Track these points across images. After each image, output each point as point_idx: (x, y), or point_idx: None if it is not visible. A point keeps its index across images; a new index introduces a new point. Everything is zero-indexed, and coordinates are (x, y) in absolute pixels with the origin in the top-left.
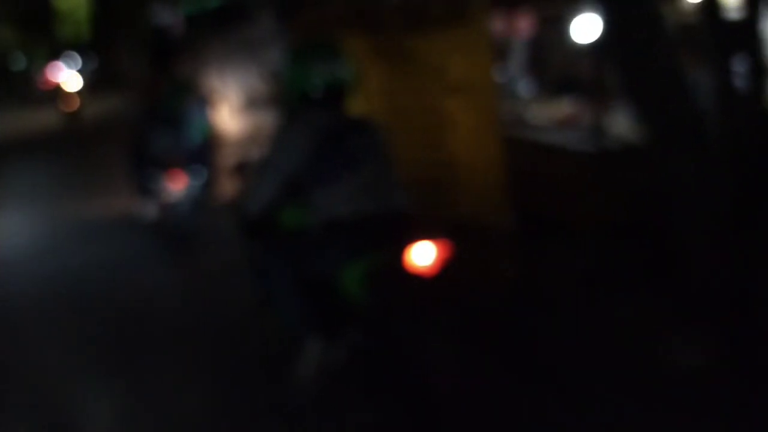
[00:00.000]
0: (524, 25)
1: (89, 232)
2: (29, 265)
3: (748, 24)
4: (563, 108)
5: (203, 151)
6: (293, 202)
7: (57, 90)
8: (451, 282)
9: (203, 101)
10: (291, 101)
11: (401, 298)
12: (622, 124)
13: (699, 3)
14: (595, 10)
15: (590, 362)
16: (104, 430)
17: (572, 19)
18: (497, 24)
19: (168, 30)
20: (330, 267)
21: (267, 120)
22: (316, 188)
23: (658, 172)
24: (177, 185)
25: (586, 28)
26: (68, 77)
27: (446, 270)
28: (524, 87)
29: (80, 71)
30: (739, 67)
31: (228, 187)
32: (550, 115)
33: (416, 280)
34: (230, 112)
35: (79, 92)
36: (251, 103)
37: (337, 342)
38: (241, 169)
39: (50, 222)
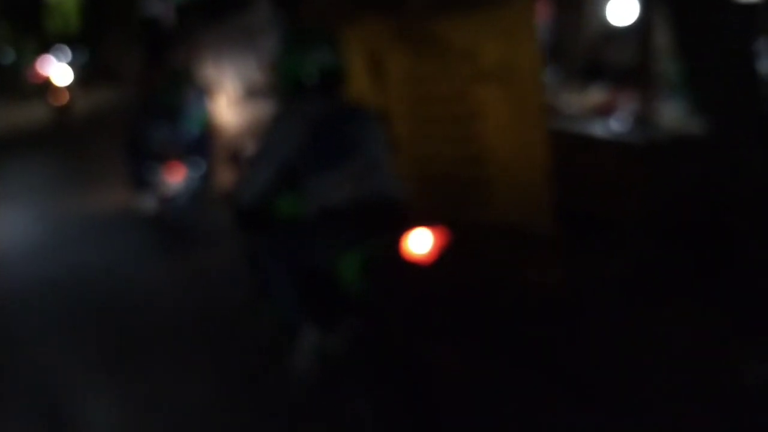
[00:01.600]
0: (542, 8)
1: (86, 228)
2: (26, 261)
3: None
4: (595, 95)
5: (201, 142)
6: (288, 191)
7: (47, 83)
8: (451, 270)
9: (201, 91)
10: (285, 89)
11: (398, 286)
12: (670, 113)
13: None
14: None
15: (619, 368)
16: (106, 425)
17: (592, 2)
18: None
19: (160, 20)
20: (326, 255)
21: (266, 111)
22: (311, 176)
23: (719, 165)
24: (175, 178)
25: (622, 9)
26: (58, 70)
27: (444, 257)
28: (547, 73)
29: (70, 64)
30: None
31: (227, 179)
32: (581, 103)
33: (413, 267)
34: (228, 104)
35: (68, 86)
36: (250, 94)
37: (334, 331)
38: (236, 158)
39: (46, 217)
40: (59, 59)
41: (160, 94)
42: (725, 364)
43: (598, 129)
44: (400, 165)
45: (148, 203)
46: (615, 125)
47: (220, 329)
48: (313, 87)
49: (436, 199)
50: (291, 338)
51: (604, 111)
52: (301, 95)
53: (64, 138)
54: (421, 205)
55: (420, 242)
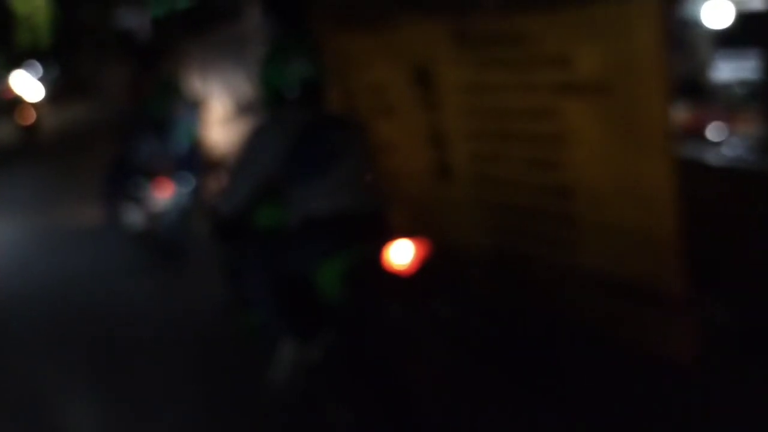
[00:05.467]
0: None
1: (71, 245)
2: (8, 277)
3: None
4: (677, 113)
5: (191, 157)
6: (270, 201)
7: (17, 100)
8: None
9: (193, 104)
10: (267, 100)
11: (378, 297)
12: None
13: None
14: None
15: None
16: None
17: None
18: None
19: (137, 33)
20: (306, 265)
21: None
22: (293, 186)
23: None
24: (163, 193)
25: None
26: (27, 86)
27: (425, 269)
28: None
29: (41, 79)
30: None
31: (214, 193)
32: None
33: (394, 278)
34: (217, 121)
35: (35, 104)
36: (241, 110)
37: (313, 341)
38: (218, 169)
39: (27, 235)
40: (30, 74)
41: (149, 106)
42: None
43: (705, 155)
44: (454, 188)
45: (135, 219)
46: (728, 150)
47: (202, 343)
48: (294, 97)
49: (504, 232)
50: (270, 349)
51: (690, 130)
52: (282, 106)
53: (39, 156)
54: (480, 236)
55: (401, 253)
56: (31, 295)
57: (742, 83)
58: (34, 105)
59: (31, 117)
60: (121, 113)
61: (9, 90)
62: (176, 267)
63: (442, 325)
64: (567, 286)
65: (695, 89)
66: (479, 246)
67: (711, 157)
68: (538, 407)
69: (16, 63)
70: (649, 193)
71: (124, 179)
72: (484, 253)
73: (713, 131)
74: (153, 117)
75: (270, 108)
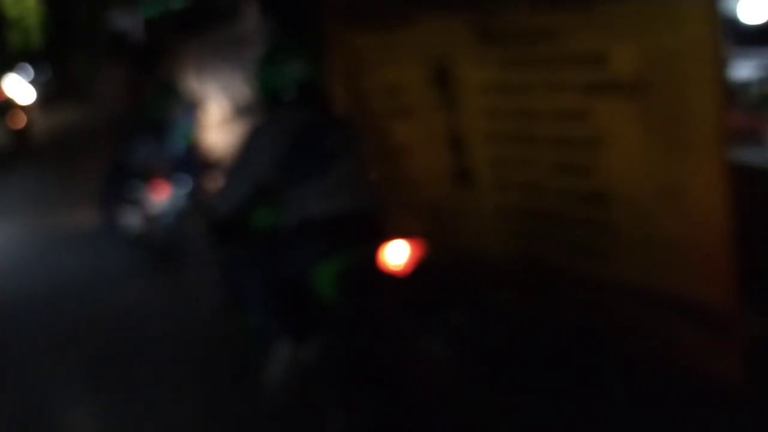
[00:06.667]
0: None
1: (67, 248)
2: (6, 283)
3: None
4: None
5: (188, 158)
6: (266, 202)
7: (8, 103)
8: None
9: (191, 105)
10: (264, 101)
11: (374, 298)
12: None
13: None
14: None
15: None
16: None
17: None
18: None
19: (129, 34)
20: (302, 266)
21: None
22: (289, 187)
23: None
24: (160, 196)
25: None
26: (19, 90)
27: (421, 270)
28: None
29: (32, 82)
30: None
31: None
32: None
33: (390, 279)
34: (214, 123)
35: (26, 108)
36: (238, 112)
37: (309, 343)
38: (215, 171)
39: (23, 238)
40: (21, 78)
41: (147, 108)
42: None
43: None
44: (473, 193)
45: (132, 222)
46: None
47: (199, 344)
48: (292, 98)
49: (527, 239)
50: (267, 350)
51: None
52: (279, 107)
53: (32, 160)
54: (500, 242)
55: (397, 253)
56: (29, 298)
57: (763, 82)
58: (25, 108)
59: (22, 121)
60: (118, 115)
61: (1, 93)
62: (173, 268)
63: (445, 328)
64: (598, 297)
65: None
66: (499, 253)
67: (755, 160)
68: (550, 417)
69: (8, 66)
70: (696, 201)
71: (122, 181)
72: (505, 260)
73: (737, 132)
74: (150, 119)
75: (267, 109)
